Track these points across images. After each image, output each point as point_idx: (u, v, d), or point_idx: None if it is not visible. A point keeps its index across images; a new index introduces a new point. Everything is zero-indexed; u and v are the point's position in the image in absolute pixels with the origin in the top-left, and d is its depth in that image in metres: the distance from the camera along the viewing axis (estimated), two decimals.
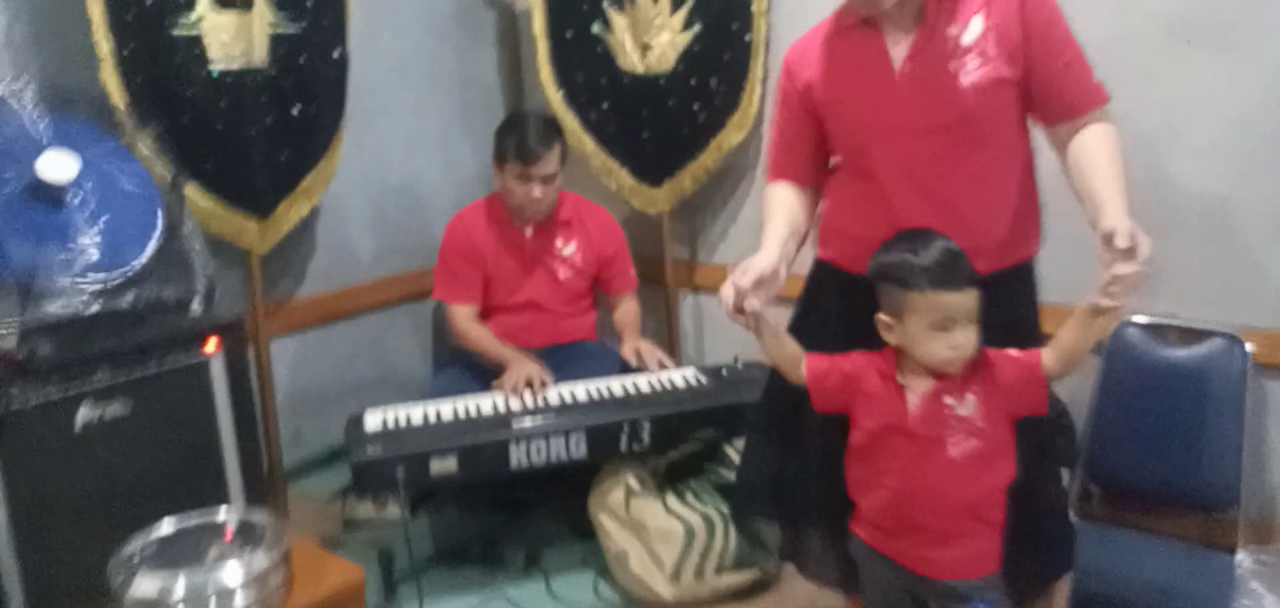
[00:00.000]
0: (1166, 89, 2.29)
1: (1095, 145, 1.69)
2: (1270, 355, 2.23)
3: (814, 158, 1.91)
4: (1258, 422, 2.27)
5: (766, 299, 1.67)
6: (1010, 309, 1.77)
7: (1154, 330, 2.36)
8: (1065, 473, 2.42)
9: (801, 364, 1.74)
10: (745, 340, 2.53)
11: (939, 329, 1.58)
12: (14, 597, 1.94)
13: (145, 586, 1.69)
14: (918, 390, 1.64)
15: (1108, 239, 1.46)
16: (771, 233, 1.83)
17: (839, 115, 1.83)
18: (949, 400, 1.62)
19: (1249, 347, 2.21)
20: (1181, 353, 2.31)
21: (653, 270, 3.18)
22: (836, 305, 1.87)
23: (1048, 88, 1.73)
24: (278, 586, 1.77)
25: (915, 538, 1.68)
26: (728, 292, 1.66)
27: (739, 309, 1.65)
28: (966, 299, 1.57)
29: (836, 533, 1.84)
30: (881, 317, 1.66)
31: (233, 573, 1.72)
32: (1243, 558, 2.14)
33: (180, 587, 1.68)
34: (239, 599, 1.71)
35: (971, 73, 1.70)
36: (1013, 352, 1.66)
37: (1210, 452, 2.24)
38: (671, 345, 3.21)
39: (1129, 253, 1.43)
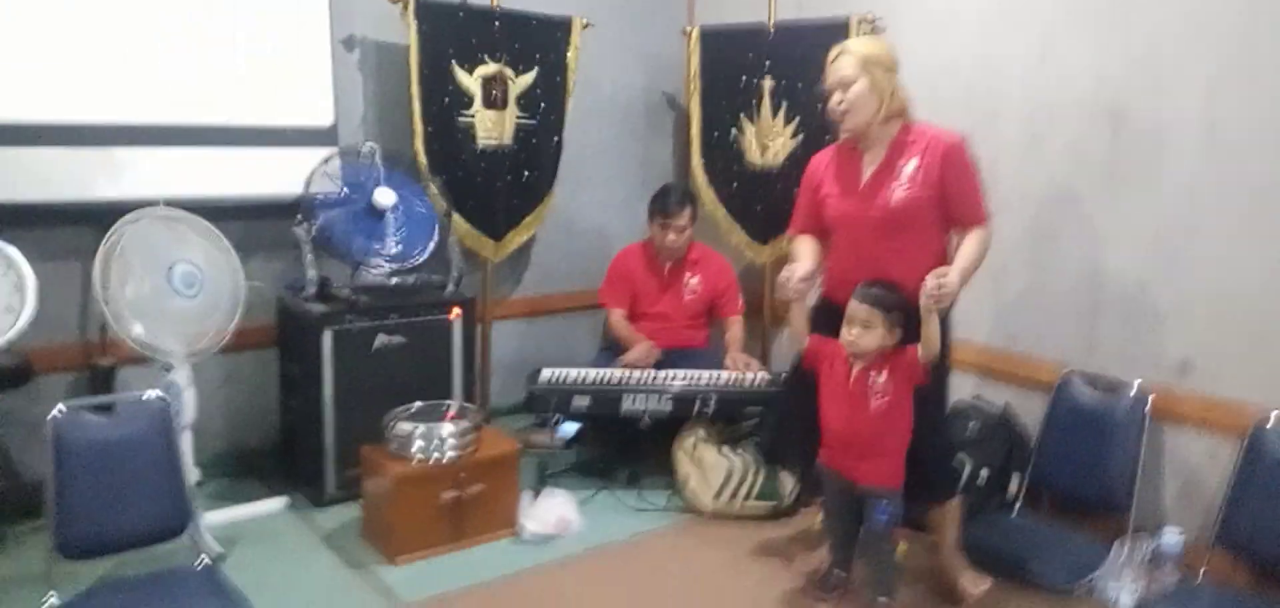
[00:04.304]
0: (1103, 212, 3.13)
1: (965, 243, 2.63)
2: (1164, 407, 2.99)
3: (818, 224, 2.92)
4: (1153, 455, 3.04)
5: (808, 287, 2.73)
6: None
7: (1087, 380, 3.17)
8: (1016, 476, 3.28)
9: (805, 338, 2.76)
10: None
11: (845, 326, 2.62)
12: (329, 434, 3.27)
13: (401, 428, 3.00)
14: (856, 368, 2.65)
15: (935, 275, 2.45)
16: (805, 256, 2.85)
17: (827, 204, 2.89)
18: (872, 374, 2.63)
19: (1149, 399, 3.00)
20: (1103, 398, 3.11)
21: (756, 303, 4.22)
22: (825, 318, 2.86)
23: (950, 208, 2.64)
24: (471, 441, 3.05)
25: (847, 455, 2.67)
26: (785, 275, 2.71)
27: (789, 286, 2.70)
28: (859, 311, 2.57)
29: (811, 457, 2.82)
30: None
31: (447, 428, 3.00)
32: (1120, 546, 2.91)
33: (419, 430, 2.99)
34: (449, 443, 3.00)
35: (899, 193, 2.66)
36: (907, 347, 2.60)
37: (1113, 472, 3.02)
38: (765, 358, 4.22)
39: (937, 283, 2.42)
